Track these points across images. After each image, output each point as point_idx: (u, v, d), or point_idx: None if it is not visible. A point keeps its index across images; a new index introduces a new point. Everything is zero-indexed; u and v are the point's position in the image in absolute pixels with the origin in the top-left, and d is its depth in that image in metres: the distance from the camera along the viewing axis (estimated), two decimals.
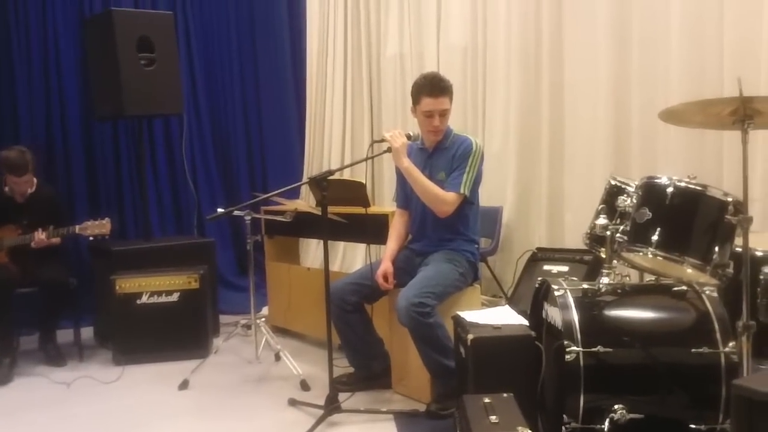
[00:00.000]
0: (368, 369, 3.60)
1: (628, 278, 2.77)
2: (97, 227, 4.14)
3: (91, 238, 4.20)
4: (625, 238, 2.62)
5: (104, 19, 4.67)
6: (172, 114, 5.19)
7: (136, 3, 5.55)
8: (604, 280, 2.67)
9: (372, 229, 3.87)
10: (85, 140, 5.44)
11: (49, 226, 4.12)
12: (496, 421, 2.21)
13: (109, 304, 4.30)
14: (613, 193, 2.90)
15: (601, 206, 2.90)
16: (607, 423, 2.36)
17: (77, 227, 4.13)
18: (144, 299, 4.24)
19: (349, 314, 3.48)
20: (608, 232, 2.71)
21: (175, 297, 4.27)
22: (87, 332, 4.71)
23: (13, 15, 5.17)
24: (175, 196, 5.81)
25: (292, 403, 3.44)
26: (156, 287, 4.25)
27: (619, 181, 2.93)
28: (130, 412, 3.50)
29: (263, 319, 4.26)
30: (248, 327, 4.11)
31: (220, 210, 3.65)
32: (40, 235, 4.07)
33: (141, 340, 4.23)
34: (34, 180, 4.28)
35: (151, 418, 3.40)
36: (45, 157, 5.13)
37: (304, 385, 3.66)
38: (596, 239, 2.93)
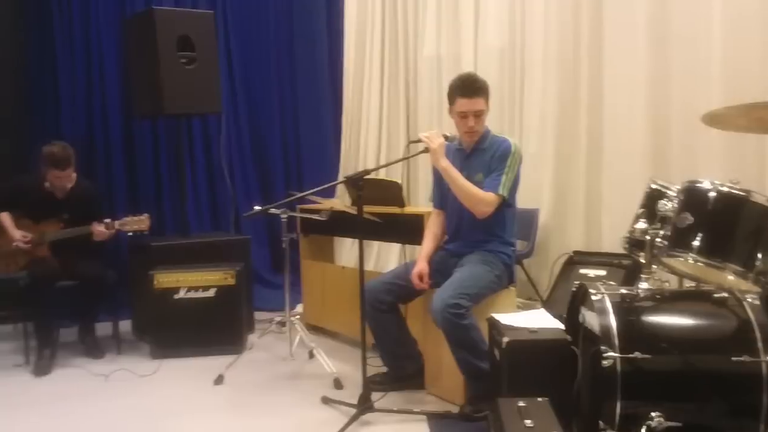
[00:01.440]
0: (401, 369, 3.60)
1: (667, 284, 2.74)
2: (137, 223, 4.21)
3: (130, 234, 4.28)
4: (666, 242, 2.58)
5: (146, 18, 4.74)
6: (211, 112, 5.25)
7: (177, 2, 5.63)
8: (643, 285, 2.63)
9: (407, 229, 3.87)
10: (125, 137, 5.53)
11: (91, 220, 4.20)
12: (531, 425, 2.20)
13: (146, 299, 4.37)
14: (653, 196, 2.86)
15: (641, 210, 2.86)
16: (643, 430, 2.33)
17: (117, 223, 4.20)
18: (181, 294, 4.30)
19: (384, 314, 3.48)
20: (648, 237, 2.68)
21: (211, 293, 4.32)
22: (125, 326, 4.79)
23: (57, 14, 5.27)
24: (212, 193, 5.88)
25: (326, 401, 3.46)
26: (193, 283, 4.31)
27: (660, 185, 2.89)
28: (166, 405, 3.56)
29: (297, 317, 4.28)
30: (283, 324, 4.14)
31: (256, 208, 3.67)
32: (99, 227, 4.15)
33: (178, 334, 4.29)
34: (74, 175, 4.36)
35: (187, 412, 3.45)
36: (86, 154, 5.23)
37: (338, 384, 3.67)
38: (635, 243, 2.90)
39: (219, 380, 3.82)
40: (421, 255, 3.51)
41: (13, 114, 5.30)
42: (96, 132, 5.42)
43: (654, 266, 2.70)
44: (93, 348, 4.38)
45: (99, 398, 3.67)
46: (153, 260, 4.49)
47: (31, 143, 5.05)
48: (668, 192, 2.80)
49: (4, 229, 4.30)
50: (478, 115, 3.34)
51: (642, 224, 2.75)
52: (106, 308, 4.58)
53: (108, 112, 5.45)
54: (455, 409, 3.25)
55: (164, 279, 4.30)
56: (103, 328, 4.59)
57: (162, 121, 5.53)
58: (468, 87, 3.32)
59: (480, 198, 3.30)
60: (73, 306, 4.52)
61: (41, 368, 4.07)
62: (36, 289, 4.15)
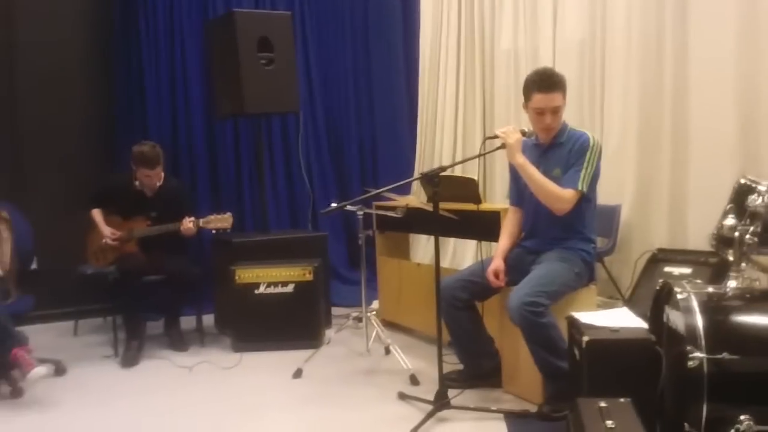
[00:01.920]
0: (478, 367, 3.57)
1: (757, 282, 2.61)
2: (220, 221, 4.33)
3: (213, 231, 4.40)
4: (756, 239, 2.47)
5: (227, 20, 4.85)
6: (290, 112, 5.34)
7: (256, 3, 5.75)
8: (732, 283, 2.52)
9: (483, 226, 3.84)
10: (207, 137, 5.68)
11: (178, 218, 4.33)
12: (613, 426, 2.14)
13: (228, 294, 4.49)
14: (742, 192, 2.73)
15: (730, 206, 2.74)
16: None
17: (201, 221, 4.33)
18: (261, 289, 4.39)
19: (460, 311, 3.46)
20: (737, 234, 2.56)
21: (290, 288, 4.40)
22: (208, 319, 4.94)
23: (143, 17, 5.44)
24: (290, 191, 5.98)
25: (402, 396, 3.47)
26: (273, 278, 4.39)
27: (750, 180, 2.76)
28: (247, 396, 3.65)
29: (374, 313, 4.32)
30: (359, 320, 4.18)
31: (333, 205, 3.71)
32: (188, 224, 4.29)
33: (258, 328, 4.39)
34: (162, 174, 4.51)
35: (267, 404, 3.53)
36: (171, 153, 5.42)
37: (414, 380, 3.68)
38: (723, 240, 2.77)
39: (298, 373, 3.89)
40: (496, 252, 3.47)
41: (103, 115, 5.54)
42: (180, 132, 5.59)
43: (743, 264, 2.59)
44: (178, 341, 4.53)
45: (183, 389, 3.80)
46: (234, 256, 4.61)
47: (120, 143, 5.28)
48: (758, 187, 2.67)
49: (95, 225, 4.50)
50: (555, 111, 3.27)
51: (730, 220, 2.64)
52: (190, 302, 4.73)
53: (191, 113, 5.61)
54: (533, 408, 3.21)
55: (245, 274, 4.40)
56: (187, 322, 4.75)
57: (243, 121, 5.66)
58: (545, 81, 3.25)
59: (558, 195, 3.23)
60: (160, 300, 4.69)
61: (129, 359, 4.24)
62: (124, 284, 4.32)
